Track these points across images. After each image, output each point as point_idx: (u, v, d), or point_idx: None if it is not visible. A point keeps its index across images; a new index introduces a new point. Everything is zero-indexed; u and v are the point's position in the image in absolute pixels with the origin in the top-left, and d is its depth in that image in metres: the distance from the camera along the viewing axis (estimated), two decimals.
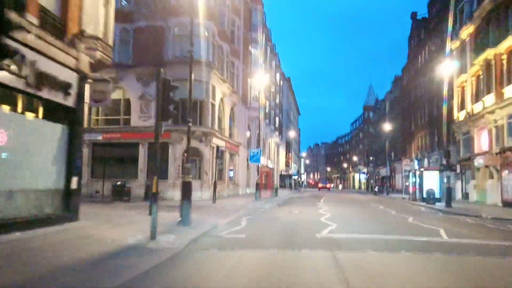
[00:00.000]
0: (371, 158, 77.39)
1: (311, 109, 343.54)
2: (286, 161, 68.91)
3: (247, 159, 33.63)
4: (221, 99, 25.90)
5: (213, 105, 23.29)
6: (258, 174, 24.26)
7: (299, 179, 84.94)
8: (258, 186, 23.39)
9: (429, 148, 39.46)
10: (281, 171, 67.16)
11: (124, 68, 22.69)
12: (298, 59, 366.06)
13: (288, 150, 67.62)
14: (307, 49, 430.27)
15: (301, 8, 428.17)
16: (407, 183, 40.18)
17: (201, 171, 22.41)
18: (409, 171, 36.66)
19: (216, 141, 23.49)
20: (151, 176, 14.31)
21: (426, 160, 39.56)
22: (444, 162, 22.65)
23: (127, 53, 23.04)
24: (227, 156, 27.40)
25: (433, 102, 38.13)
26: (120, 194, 19.61)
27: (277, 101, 54.70)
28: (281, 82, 60.39)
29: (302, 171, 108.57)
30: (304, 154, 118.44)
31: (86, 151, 23.31)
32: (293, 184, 65.08)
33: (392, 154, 59.89)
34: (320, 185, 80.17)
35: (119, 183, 19.71)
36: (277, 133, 53.92)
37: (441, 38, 36.45)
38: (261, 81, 29.22)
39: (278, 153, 62.59)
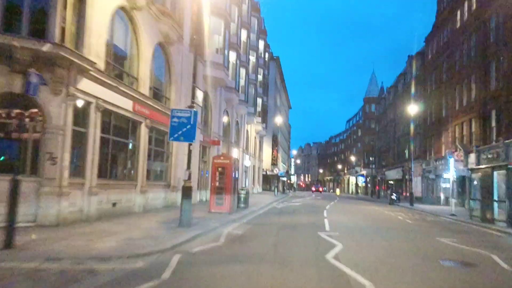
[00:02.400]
0: (371, 158, 64.60)
1: (302, 110, 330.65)
2: (272, 159, 55.52)
3: (203, 147, 20.84)
4: (125, 11, 12.61)
5: None
6: (188, 168, 10.90)
7: (289, 180, 71.31)
8: (186, 193, 10.21)
9: (478, 138, 26.59)
10: (266, 171, 53.92)
11: None
12: (290, 60, 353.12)
13: (274, 144, 54.23)
14: (300, 50, 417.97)
15: (293, 12, 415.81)
16: (431, 189, 26.75)
17: (39, 154, 9.03)
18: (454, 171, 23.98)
19: (92, 88, 10.18)
20: None
21: (473, 156, 26.71)
22: None
23: None
24: (142, 133, 14.10)
25: (489, 68, 25.33)
26: None
27: (260, 77, 41.48)
28: (267, 55, 47.16)
29: (292, 172, 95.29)
30: (294, 152, 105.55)
31: None
32: (280, 187, 51.53)
33: (406, 152, 47.15)
34: (313, 188, 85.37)
35: None
36: (259, 119, 40.64)
37: None
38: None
39: (262, 147, 49.39)
